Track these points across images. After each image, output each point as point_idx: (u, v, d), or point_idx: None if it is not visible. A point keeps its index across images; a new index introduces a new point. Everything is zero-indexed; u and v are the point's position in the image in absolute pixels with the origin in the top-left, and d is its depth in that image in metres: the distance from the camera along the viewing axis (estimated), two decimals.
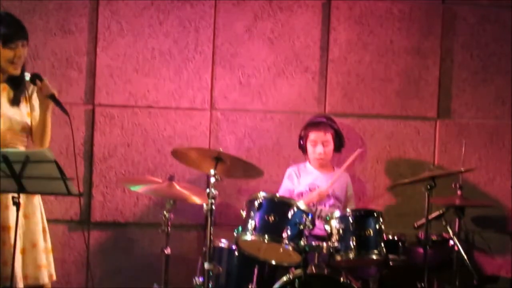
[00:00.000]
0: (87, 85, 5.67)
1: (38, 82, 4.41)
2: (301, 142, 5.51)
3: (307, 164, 5.52)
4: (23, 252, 4.38)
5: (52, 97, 4.39)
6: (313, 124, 5.46)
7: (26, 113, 4.48)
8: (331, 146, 5.44)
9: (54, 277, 4.56)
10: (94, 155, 5.67)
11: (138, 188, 5.02)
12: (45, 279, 4.47)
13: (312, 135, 5.43)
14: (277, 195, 4.90)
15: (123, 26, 5.67)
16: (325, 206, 5.38)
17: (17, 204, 4.08)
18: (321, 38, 5.85)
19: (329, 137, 5.43)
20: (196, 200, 4.96)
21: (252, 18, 5.79)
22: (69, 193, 4.10)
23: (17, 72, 4.43)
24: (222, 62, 5.77)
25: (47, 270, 4.49)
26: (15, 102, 4.45)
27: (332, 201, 5.43)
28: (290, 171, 5.53)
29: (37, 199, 4.49)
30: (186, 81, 5.74)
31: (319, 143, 5.42)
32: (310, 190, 5.40)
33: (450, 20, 5.95)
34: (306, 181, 5.45)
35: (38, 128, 4.47)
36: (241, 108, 5.80)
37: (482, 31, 5.98)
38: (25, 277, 4.39)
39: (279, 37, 5.81)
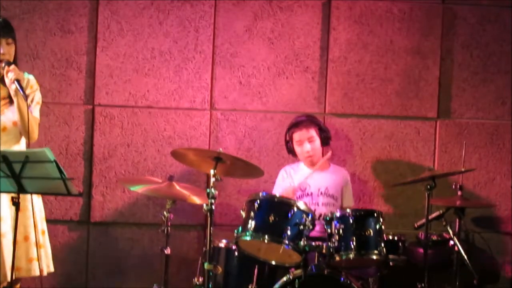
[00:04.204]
0: (87, 85, 5.67)
1: (6, 67, 4.41)
2: (289, 146, 5.51)
3: (300, 164, 5.52)
4: (16, 244, 4.40)
5: (17, 82, 4.37)
6: (294, 125, 5.46)
7: None
8: (317, 141, 5.44)
9: (45, 272, 4.59)
10: (94, 155, 5.67)
11: (138, 188, 5.02)
12: (36, 271, 4.51)
13: (296, 136, 5.44)
14: (277, 195, 4.89)
15: (123, 26, 5.67)
16: (318, 205, 5.37)
17: (17, 205, 4.09)
18: (321, 38, 5.85)
19: (313, 132, 5.43)
20: (196, 200, 4.96)
21: (252, 18, 5.78)
22: (69, 193, 4.11)
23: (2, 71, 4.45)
24: (222, 62, 5.77)
25: (39, 264, 4.52)
26: (11, 100, 4.48)
27: (325, 199, 5.42)
28: (282, 172, 5.54)
29: (30, 195, 4.49)
30: (186, 81, 5.74)
31: (305, 141, 5.42)
32: (301, 189, 5.40)
33: (450, 20, 5.95)
34: (298, 180, 5.44)
35: (18, 118, 4.47)
36: (241, 108, 5.80)
37: (482, 31, 5.98)
38: (17, 269, 4.45)
39: (279, 37, 5.81)
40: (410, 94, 5.92)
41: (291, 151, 5.51)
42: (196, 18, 5.73)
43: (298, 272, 4.77)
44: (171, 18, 5.71)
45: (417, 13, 5.90)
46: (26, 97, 4.39)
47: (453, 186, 5.44)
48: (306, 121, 5.46)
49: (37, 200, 4.58)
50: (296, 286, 4.72)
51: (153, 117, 5.72)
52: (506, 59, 5.97)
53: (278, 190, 5.43)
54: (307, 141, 5.42)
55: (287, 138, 5.50)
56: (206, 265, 4.69)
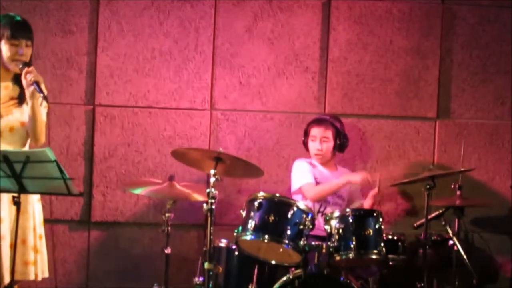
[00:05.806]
0: (88, 85, 5.68)
1: (25, 68, 4.41)
2: (304, 138, 5.53)
3: (312, 159, 5.53)
4: (13, 246, 4.40)
5: (36, 84, 4.38)
6: (316, 121, 5.51)
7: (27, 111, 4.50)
8: (330, 143, 5.45)
9: (40, 278, 4.57)
10: (94, 155, 5.67)
11: (139, 191, 5.02)
12: (31, 275, 4.50)
13: (313, 131, 5.47)
14: (277, 195, 4.88)
15: (123, 26, 5.68)
16: (329, 203, 5.39)
17: (17, 204, 4.10)
18: (321, 38, 5.86)
19: (329, 134, 5.44)
20: (198, 197, 4.95)
21: (252, 18, 5.79)
22: (69, 193, 4.12)
23: (18, 70, 4.45)
24: (222, 62, 5.78)
25: (34, 268, 4.51)
26: (20, 101, 4.48)
27: (335, 199, 5.45)
28: (303, 164, 5.48)
29: (32, 197, 4.49)
30: (186, 81, 5.74)
31: (318, 139, 5.44)
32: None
33: (450, 20, 5.95)
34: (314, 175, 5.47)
35: (29, 120, 4.47)
36: (241, 108, 5.81)
37: (482, 31, 5.98)
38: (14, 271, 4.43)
39: (279, 37, 5.82)
40: (409, 94, 5.93)
41: (305, 145, 5.53)
42: (196, 19, 5.74)
43: (298, 272, 4.78)
44: (172, 19, 5.72)
45: (417, 13, 5.91)
46: (46, 98, 4.39)
47: (453, 186, 5.45)
48: (327, 121, 5.48)
49: (37, 204, 4.58)
50: (296, 286, 4.72)
51: (154, 117, 5.72)
52: (506, 59, 5.97)
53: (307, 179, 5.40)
54: (320, 140, 5.44)
55: (305, 131, 5.52)
56: (206, 265, 4.70)
